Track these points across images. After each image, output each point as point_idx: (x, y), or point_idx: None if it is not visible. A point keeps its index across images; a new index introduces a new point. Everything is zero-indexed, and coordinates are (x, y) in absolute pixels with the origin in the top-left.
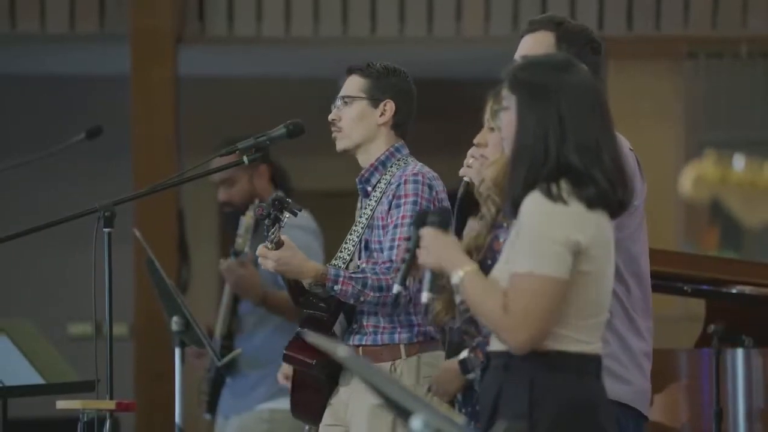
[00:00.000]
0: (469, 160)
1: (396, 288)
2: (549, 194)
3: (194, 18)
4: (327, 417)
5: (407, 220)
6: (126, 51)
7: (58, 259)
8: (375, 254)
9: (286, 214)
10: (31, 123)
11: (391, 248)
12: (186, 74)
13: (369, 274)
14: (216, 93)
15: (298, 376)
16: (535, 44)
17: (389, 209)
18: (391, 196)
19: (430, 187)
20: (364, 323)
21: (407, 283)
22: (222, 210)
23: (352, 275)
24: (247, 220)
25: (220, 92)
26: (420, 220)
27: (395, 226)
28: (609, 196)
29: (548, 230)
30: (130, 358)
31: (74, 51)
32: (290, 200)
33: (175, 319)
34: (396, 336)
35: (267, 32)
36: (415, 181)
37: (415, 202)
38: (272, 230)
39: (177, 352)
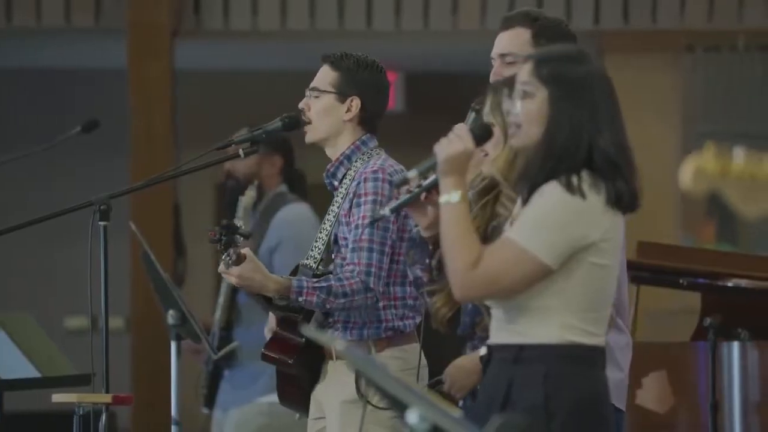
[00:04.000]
0: None
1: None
2: (569, 186)
3: (190, 12)
4: (313, 410)
5: (367, 221)
6: (122, 45)
7: (54, 252)
8: (343, 249)
9: (239, 237)
10: (27, 117)
11: (353, 250)
12: (182, 68)
13: (333, 282)
14: (212, 87)
15: (279, 369)
16: (510, 41)
17: (350, 207)
18: (352, 194)
19: (391, 183)
20: (335, 318)
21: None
22: (222, 182)
23: (316, 285)
24: (246, 200)
25: (217, 86)
26: (468, 120)
27: (356, 227)
28: (634, 192)
29: (555, 216)
30: (127, 352)
31: (70, 45)
32: (240, 225)
33: (171, 312)
34: (365, 332)
35: (263, 26)
36: (375, 179)
37: (374, 201)
38: (228, 253)
39: (173, 345)
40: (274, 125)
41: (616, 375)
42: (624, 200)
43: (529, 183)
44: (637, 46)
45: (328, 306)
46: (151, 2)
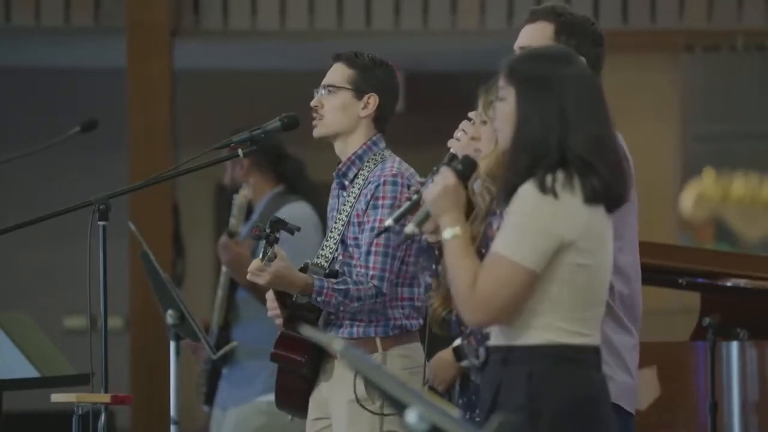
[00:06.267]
0: (458, 134)
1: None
2: (542, 186)
3: (189, 11)
4: (312, 411)
5: (375, 232)
6: (121, 44)
7: (53, 252)
8: (351, 249)
9: (281, 233)
10: (26, 116)
11: (368, 253)
12: (181, 68)
13: (350, 285)
14: (211, 86)
15: (282, 369)
16: (534, 35)
17: (366, 209)
18: (369, 196)
19: (409, 188)
20: (341, 315)
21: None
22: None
23: (335, 287)
24: (239, 199)
25: (216, 85)
26: (449, 158)
27: (372, 230)
28: (610, 189)
29: (531, 220)
30: (126, 352)
31: (69, 44)
32: (288, 222)
33: (170, 312)
34: (372, 329)
35: (262, 25)
36: (394, 183)
37: (392, 206)
38: (268, 249)
39: (172, 345)
40: (273, 125)
41: (625, 378)
42: (600, 196)
43: (506, 186)
44: (636, 45)
45: (342, 308)
46: (150, 2)
